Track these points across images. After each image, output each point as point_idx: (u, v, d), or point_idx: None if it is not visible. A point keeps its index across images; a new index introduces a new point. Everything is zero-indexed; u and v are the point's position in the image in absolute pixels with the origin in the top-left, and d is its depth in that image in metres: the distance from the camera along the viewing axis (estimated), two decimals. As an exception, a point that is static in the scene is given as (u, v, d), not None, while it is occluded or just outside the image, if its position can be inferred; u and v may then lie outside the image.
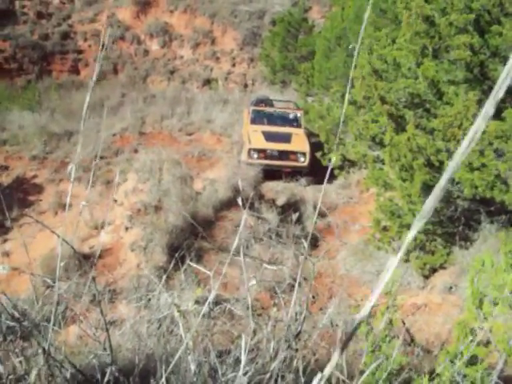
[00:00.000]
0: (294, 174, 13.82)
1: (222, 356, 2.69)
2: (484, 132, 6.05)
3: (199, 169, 14.48)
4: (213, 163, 15.33)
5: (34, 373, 1.77)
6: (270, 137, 14.34)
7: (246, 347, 1.90)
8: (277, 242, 9.90)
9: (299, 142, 14.25)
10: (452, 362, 2.52)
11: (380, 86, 7.51)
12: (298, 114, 15.36)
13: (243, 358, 1.79)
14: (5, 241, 11.63)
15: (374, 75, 8.08)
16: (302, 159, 13.92)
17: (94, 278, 1.88)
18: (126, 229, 9.74)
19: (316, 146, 13.51)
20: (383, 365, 2.39)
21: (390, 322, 2.69)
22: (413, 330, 7.03)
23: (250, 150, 14.11)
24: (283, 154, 14.06)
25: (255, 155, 13.95)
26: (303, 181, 13.56)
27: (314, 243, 10.24)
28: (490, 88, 7.09)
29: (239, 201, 2.00)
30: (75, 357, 2.82)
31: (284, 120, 15.34)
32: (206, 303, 1.74)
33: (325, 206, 12.69)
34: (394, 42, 8.18)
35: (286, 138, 14.31)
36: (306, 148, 14.01)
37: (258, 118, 15.35)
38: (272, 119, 15.41)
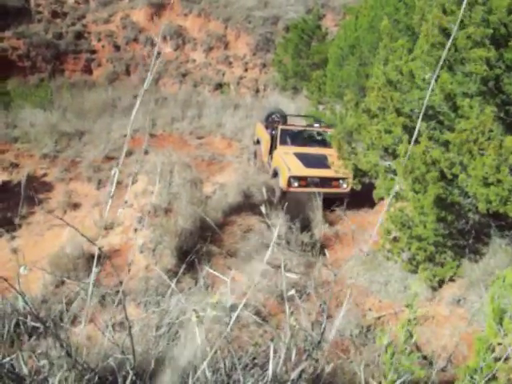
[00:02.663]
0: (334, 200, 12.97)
1: (238, 365, 2.69)
2: (500, 147, 6.04)
3: (209, 173, 14.51)
4: (223, 167, 15.38)
5: (58, 376, 1.78)
6: (307, 161, 13.40)
7: (280, 355, 1.90)
8: (285, 248, 9.90)
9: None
10: (472, 377, 2.51)
11: (395, 98, 7.50)
12: (329, 133, 13.87)
13: (270, 367, 1.79)
14: (13, 238, 11.67)
15: (388, 86, 8.08)
16: (345, 185, 13.08)
17: (121, 283, 1.89)
18: (136, 230, 9.76)
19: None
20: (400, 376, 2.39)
21: (410, 334, 2.68)
22: (420, 341, 7.01)
23: (290, 177, 13.00)
24: (325, 181, 13.09)
25: (296, 183, 12.98)
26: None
27: (323, 251, 10.22)
28: (504, 102, 7.08)
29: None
30: (91, 357, 2.83)
31: (314, 140, 14.49)
32: (236, 312, 1.74)
33: (333, 215, 12.71)
34: (409, 52, 8.18)
35: (325, 163, 13.03)
36: (349, 173, 12.82)
37: (286, 138, 14.44)
38: (302, 139, 14.49)
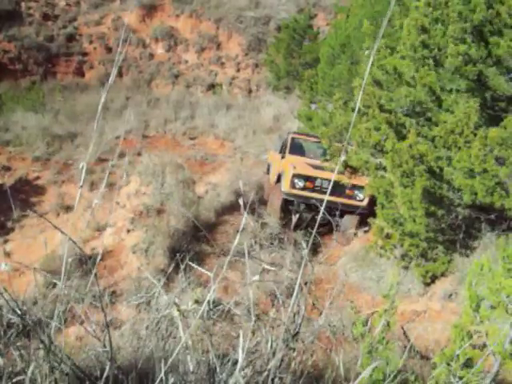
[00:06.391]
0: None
1: (221, 358, 2.71)
2: (485, 138, 6.08)
3: (202, 173, 14.53)
4: (215, 167, 15.40)
5: (32, 366, 1.79)
6: (317, 167, 11.12)
7: (245, 346, 1.91)
8: (278, 246, 9.91)
9: (357, 176, 10.42)
10: (448, 364, 2.54)
11: (378, 95, 7.54)
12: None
13: (240, 356, 1.81)
14: (6, 241, 11.67)
15: (374, 85, 8.12)
16: (361, 196, 10.74)
17: (96, 275, 1.91)
18: (128, 231, 9.77)
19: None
20: (380, 367, 2.41)
21: (388, 324, 2.71)
22: (412, 336, 7.04)
23: (294, 175, 10.74)
24: (337, 187, 10.30)
25: (300, 183, 10.72)
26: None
27: (315, 249, 10.22)
28: (491, 97, 7.14)
29: (240, 201, 2.02)
30: (74, 355, 2.84)
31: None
32: (205, 302, 1.76)
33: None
34: (396, 51, 8.22)
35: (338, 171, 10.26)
36: (366, 182, 10.16)
37: (297, 149, 12.33)
38: (316, 152, 12.19)
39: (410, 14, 7.38)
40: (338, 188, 10.37)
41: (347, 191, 10.66)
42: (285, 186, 10.80)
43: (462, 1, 6.69)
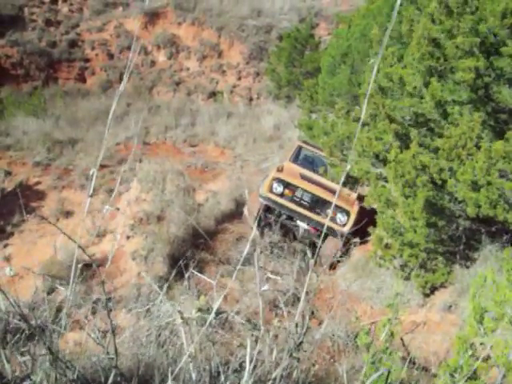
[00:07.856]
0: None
1: (223, 366, 2.71)
2: (490, 151, 6.10)
3: (202, 180, 14.52)
4: (216, 175, 15.39)
5: (39, 373, 1.79)
6: (308, 179, 10.66)
7: (253, 355, 1.92)
8: (278, 256, 9.89)
9: (345, 198, 10.34)
10: (452, 375, 2.54)
11: (387, 104, 7.55)
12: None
13: (247, 366, 1.81)
14: (5, 246, 11.67)
15: (379, 93, 8.13)
16: (343, 219, 9.99)
17: (103, 282, 1.91)
18: (128, 238, 9.77)
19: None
20: (383, 376, 2.41)
21: (391, 334, 2.71)
22: (411, 347, 7.03)
23: (274, 179, 10.21)
24: (317, 204, 10.11)
25: (279, 188, 10.10)
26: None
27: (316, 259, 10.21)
28: (494, 109, 7.15)
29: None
30: (76, 361, 2.84)
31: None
32: (213, 311, 1.77)
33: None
34: (399, 60, 8.24)
35: (329, 189, 10.26)
36: (353, 207, 10.15)
37: (301, 159, 11.71)
38: (320, 167, 11.04)
39: (419, 22, 7.38)
40: (319, 206, 10.10)
41: (329, 211, 9.79)
42: (263, 188, 10.26)
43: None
